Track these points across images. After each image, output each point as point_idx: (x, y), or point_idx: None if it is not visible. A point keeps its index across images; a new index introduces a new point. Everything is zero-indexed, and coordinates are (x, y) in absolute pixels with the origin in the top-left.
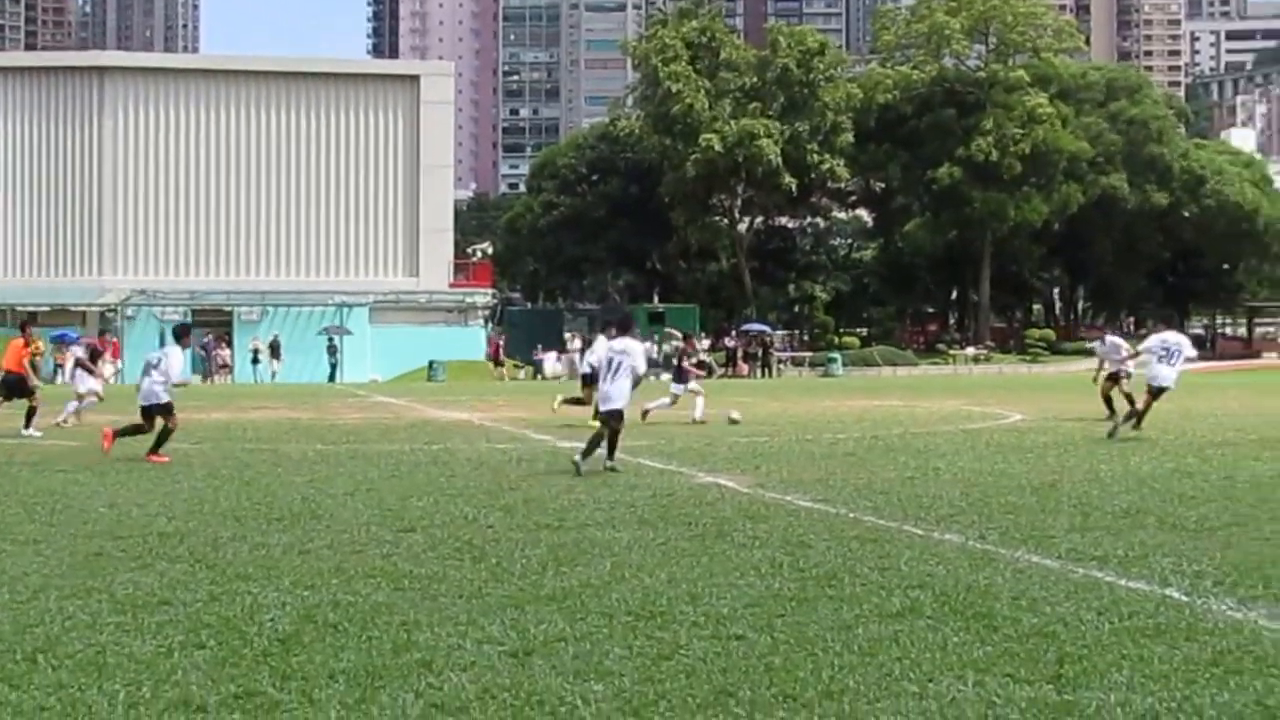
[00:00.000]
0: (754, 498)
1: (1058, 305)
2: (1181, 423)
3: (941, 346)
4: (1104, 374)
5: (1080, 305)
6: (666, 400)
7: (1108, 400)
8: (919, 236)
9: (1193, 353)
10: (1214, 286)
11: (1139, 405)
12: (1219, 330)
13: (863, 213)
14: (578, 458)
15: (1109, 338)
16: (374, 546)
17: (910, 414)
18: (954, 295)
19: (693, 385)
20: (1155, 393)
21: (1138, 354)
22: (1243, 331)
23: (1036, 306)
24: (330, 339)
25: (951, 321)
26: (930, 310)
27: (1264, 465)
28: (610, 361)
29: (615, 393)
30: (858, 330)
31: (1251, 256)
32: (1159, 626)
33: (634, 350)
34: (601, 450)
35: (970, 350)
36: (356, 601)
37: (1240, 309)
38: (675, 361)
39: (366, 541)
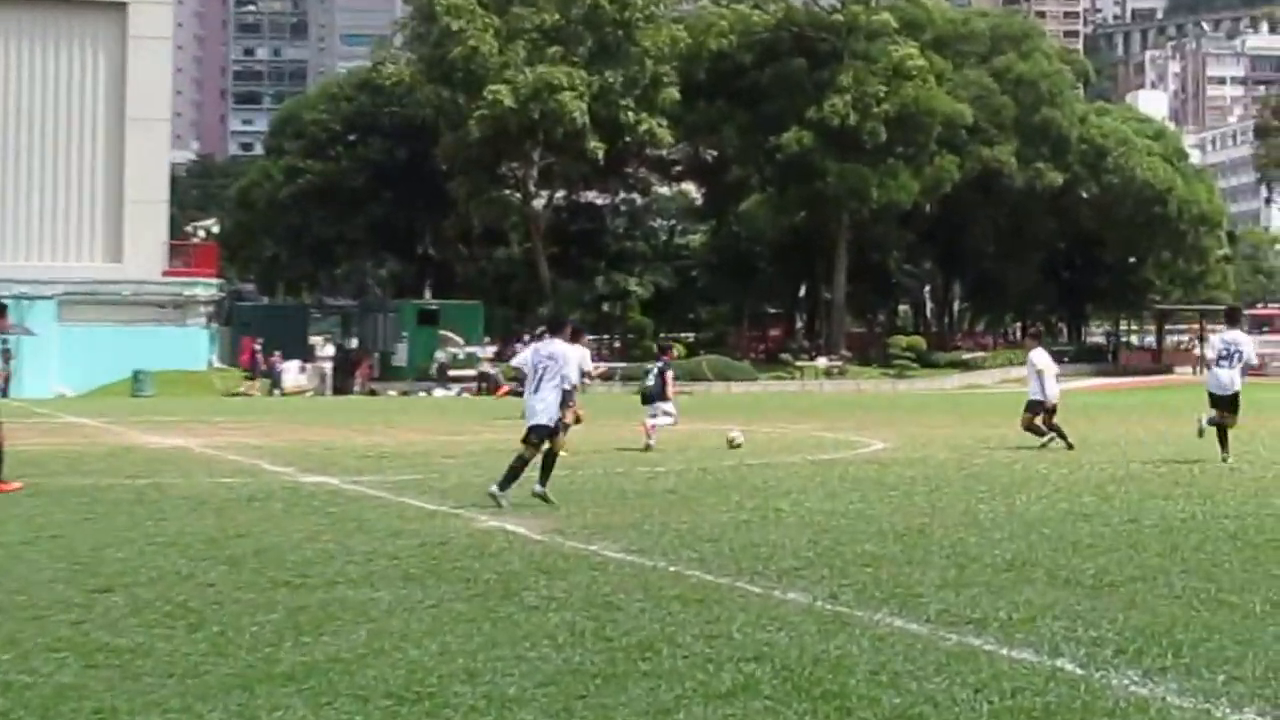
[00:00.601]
0: (549, 547)
1: (929, 306)
2: (1077, 453)
3: (787, 357)
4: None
5: (957, 306)
6: (670, 420)
7: (1033, 429)
8: (759, 218)
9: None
10: (1118, 284)
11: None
12: (1123, 339)
13: (690, 187)
14: (494, 488)
15: (1040, 352)
16: (59, 611)
17: (747, 441)
18: (802, 292)
19: (666, 407)
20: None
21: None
22: (1151, 340)
23: (904, 307)
24: (3, 342)
25: (799, 325)
26: (773, 311)
27: (1175, 505)
28: (536, 368)
29: (540, 405)
30: (683, 335)
31: (1163, 248)
32: (1048, 707)
33: (565, 356)
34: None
35: (822, 361)
36: (35, 683)
37: (1148, 312)
38: (658, 375)
39: (49, 604)
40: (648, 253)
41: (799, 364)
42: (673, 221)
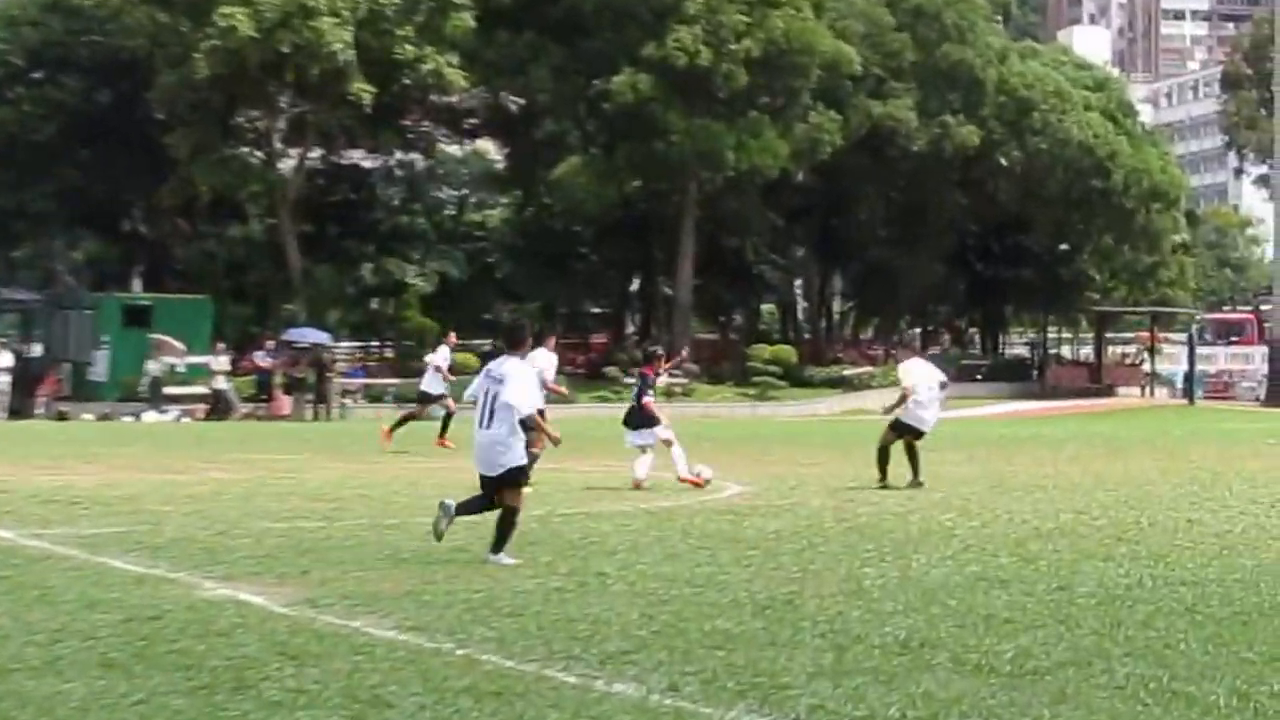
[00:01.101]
0: (297, 623)
1: (801, 306)
2: (992, 499)
3: (613, 371)
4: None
5: (837, 307)
6: (677, 453)
7: (883, 455)
8: (580, 187)
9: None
10: (1046, 279)
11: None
12: (1051, 350)
13: (489, 146)
14: (492, 556)
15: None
16: None
17: (561, 481)
18: (635, 286)
19: (661, 432)
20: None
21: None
22: (1089, 352)
23: (768, 308)
24: None
25: (630, 330)
26: (596, 311)
27: (1117, 569)
28: (483, 398)
29: (491, 446)
30: (477, 343)
31: (1103, 232)
32: None
33: (513, 376)
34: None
35: (660, 379)
36: None
37: (1084, 316)
38: (636, 393)
39: None
40: (430, 233)
41: (629, 381)
42: (464, 192)
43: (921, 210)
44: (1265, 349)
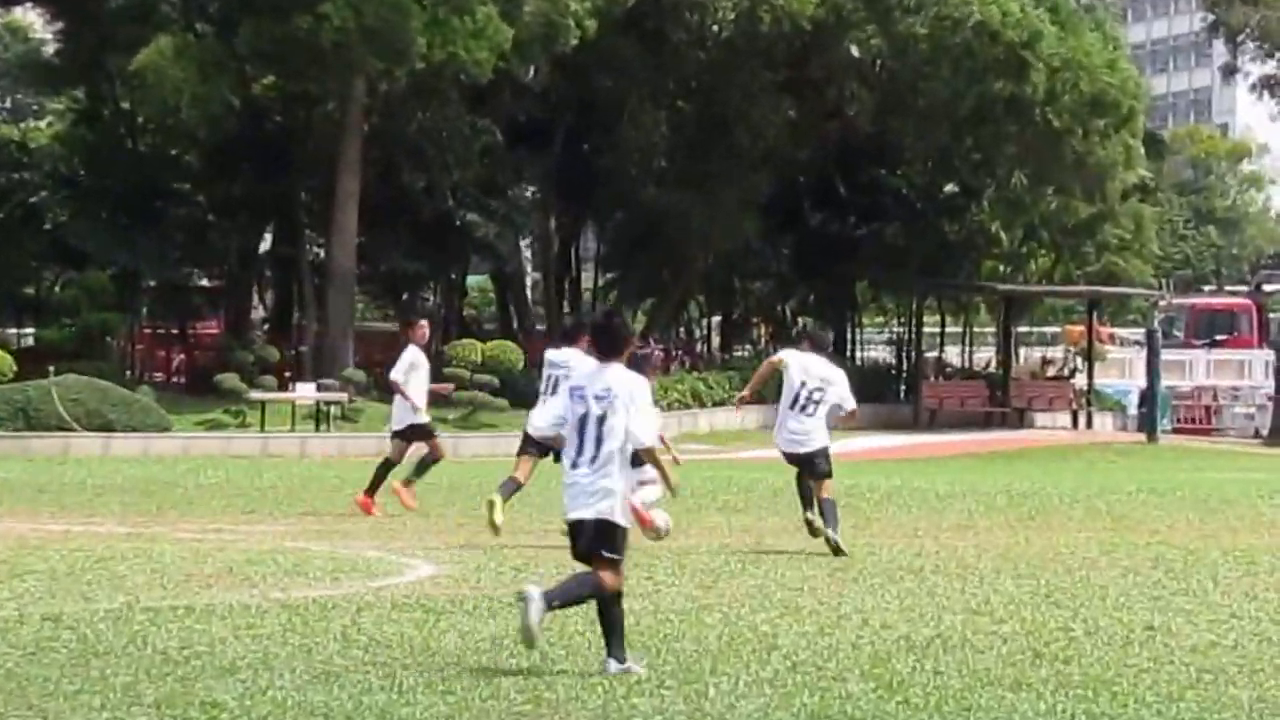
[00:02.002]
0: None
1: (532, 279)
2: (837, 588)
3: (230, 381)
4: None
5: (588, 280)
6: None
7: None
8: (174, 86)
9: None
10: (923, 239)
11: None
12: (929, 353)
13: (33, 18)
14: (614, 666)
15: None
16: None
17: (147, 554)
18: (265, 246)
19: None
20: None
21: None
22: (989, 356)
23: (479, 280)
24: None
25: (260, 318)
26: (204, 285)
27: (1035, 703)
28: (580, 419)
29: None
30: (13, 332)
31: (1018, 164)
32: None
33: (628, 392)
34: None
35: (307, 392)
36: None
37: (986, 296)
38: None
39: None
40: None
41: (256, 396)
42: None
43: (723, 129)
44: (1270, 355)
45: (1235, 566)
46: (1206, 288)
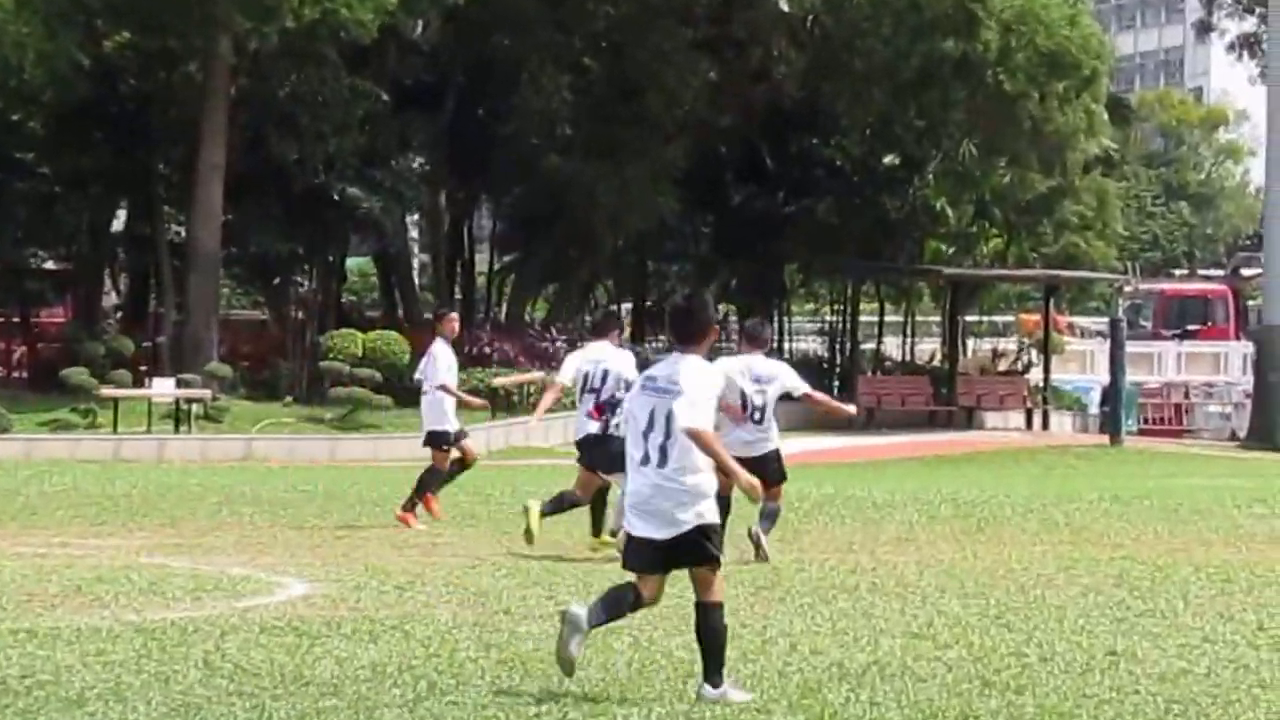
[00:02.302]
0: None
1: (420, 261)
2: (761, 608)
3: (79, 375)
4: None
5: (482, 263)
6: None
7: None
8: (11, 42)
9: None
10: (860, 217)
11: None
12: (864, 345)
13: None
14: (712, 691)
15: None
16: None
17: None
18: (120, 224)
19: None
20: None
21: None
22: (934, 348)
23: (360, 263)
24: None
25: (113, 301)
26: (47, 268)
27: None
28: (648, 414)
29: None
30: None
31: (966, 132)
32: None
33: (692, 381)
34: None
35: (165, 388)
36: None
37: (930, 282)
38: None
39: None
40: None
41: (108, 393)
42: None
43: (635, 93)
44: (1248, 348)
45: (1208, 584)
46: (1177, 271)
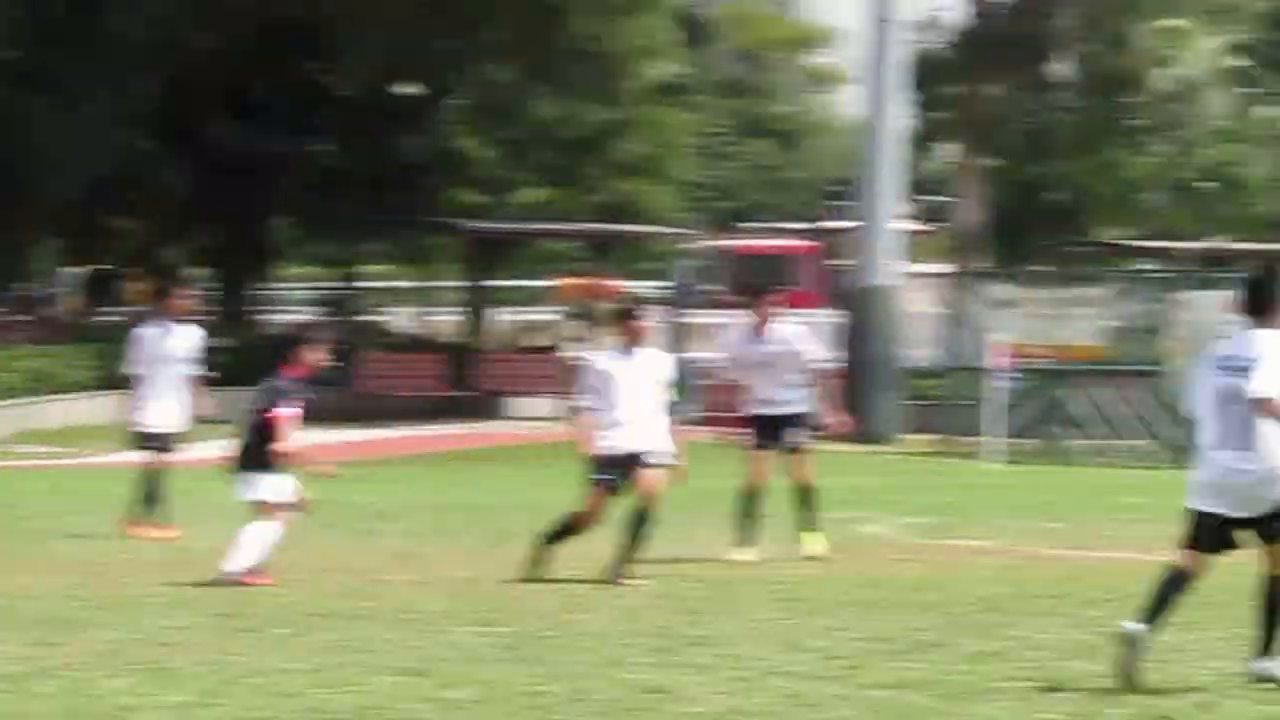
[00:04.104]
0: None
1: None
2: (219, 642)
3: None
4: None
5: None
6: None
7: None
8: None
9: None
10: (365, 163)
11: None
12: (371, 318)
13: None
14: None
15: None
16: None
17: None
18: None
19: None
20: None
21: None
22: (456, 320)
23: None
24: None
25: None
26: None
27: None
28: (1218, 393)
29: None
30: None
31: (505, 52)
32: None
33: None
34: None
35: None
36: None
37: (455, 239)
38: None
39: None
40: None
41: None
42: None
43: (90, 6)
44: (831, 317)
45: (772, 604)
46: (754, 225)
